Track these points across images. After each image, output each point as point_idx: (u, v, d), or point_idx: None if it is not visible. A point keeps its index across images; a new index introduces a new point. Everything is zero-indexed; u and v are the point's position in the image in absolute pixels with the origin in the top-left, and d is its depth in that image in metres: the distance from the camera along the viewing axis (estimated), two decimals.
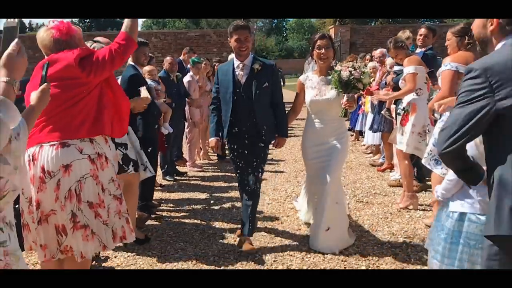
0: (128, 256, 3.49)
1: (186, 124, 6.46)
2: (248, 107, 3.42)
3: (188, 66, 6.74)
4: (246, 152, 3.55)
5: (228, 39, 3.46)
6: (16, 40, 1.66)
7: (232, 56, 3.76)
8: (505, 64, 1.65)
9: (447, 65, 3.50)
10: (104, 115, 2.59)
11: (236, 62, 3.48)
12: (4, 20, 1.81)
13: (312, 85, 3.59)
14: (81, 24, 49.79)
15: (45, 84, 2.06)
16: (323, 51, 3.48)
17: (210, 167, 6.80)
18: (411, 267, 3.21)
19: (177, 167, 6.47)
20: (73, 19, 49.12)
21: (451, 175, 2.30)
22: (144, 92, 3.75)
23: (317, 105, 3.56)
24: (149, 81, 4.60)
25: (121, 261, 3.43)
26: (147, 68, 4.75)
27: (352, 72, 3.34)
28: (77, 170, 2.44)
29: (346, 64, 3.42)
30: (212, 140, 3.61)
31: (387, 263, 3.28)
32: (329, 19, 30.07)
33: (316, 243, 3.50)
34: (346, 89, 3.38)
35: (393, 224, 4.12)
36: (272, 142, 3.65)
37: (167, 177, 6.04)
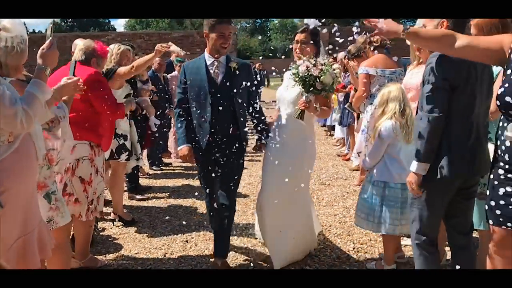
0: (121, 227, 4.14)
1: (172, 118, 7.10)
2: (227, 109, 3.07)
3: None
4: (223, 164, 3.15)
5: (205, 32, 3.09)
6: (50, 38, 2.11)
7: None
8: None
9: (360, 69, 4.50)
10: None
11: (210, 59, 3.13)
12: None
13: (286, 80, 3.25)
14: (63, 23, 49.65)
15: (77, 78, 2.60)
16: (298, 45, 3.15)
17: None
18: (356, 231, 3.94)
19: (162, 158, 7.10)
20: (55, 19, 48.88)
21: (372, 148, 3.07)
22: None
23: (280, 100, 3.26)
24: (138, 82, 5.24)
25: (116, 231, 4.07)
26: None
27: (309, 68, 2.90)
28: (77, 152, 3.11)
29: (309, 59, 2.97)
30: (184, 148, 3.14)
31: (337, 228, 4.01)
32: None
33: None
34: (305, 87, 2.96)
35: (348, 200, 4.86)
36: (253, 146, 3.41)
37: (153, 167, 6.69)
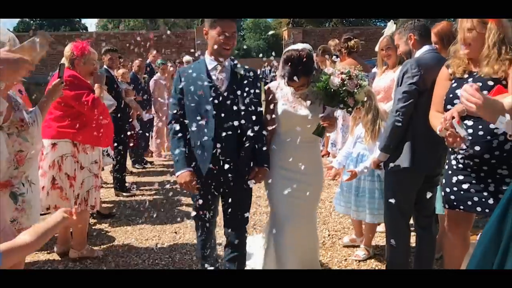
0: (112, 221, 4.40)
1: (155, 118, 7.33)
2: (234, 125, 2.49)
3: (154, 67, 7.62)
4: (231, 193, 2.61)
5: (205, 30, 2.58)
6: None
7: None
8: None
9: None
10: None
11: (212, 63, 2.58)
12: None
13: (283, 95, 2.79)
14: (32, 22, 48.40)
15: (58, 80, 2.56)
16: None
17: None
18: (331, 220, 4.33)
19: (145, 157, 7.32)
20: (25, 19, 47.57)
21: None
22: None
23: (290, 121, 2.75)
24: (122, 83, 5.49)
25: (107, 225, 4.32)
26: (120, 71, 5.63)
27: (346, 82, 2.56)
28: (59, 149, 3.38)
29: (341, 68, 2.65)
30: (185, 173, 2.53)
31: None
32: (285, 20, 30.72)
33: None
34: (331, 101, 2.61)
35: (323, 193, 5.22)
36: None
37: (136, 166, 6.92)
